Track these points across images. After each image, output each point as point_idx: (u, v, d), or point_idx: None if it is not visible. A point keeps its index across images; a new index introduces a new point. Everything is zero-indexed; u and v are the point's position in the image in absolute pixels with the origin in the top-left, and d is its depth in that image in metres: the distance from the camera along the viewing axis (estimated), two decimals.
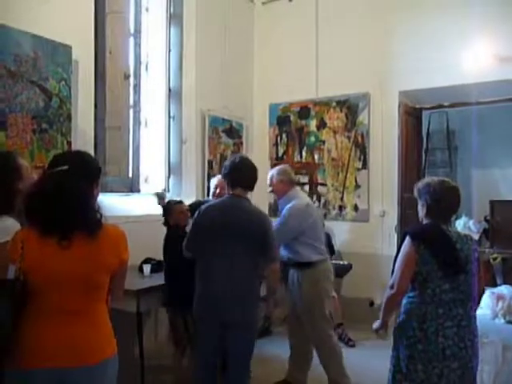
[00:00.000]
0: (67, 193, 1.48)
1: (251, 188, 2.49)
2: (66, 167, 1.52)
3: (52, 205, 1.46)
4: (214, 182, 3.48)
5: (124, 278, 1.68)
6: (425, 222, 2.17)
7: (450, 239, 2.05)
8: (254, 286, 2.40)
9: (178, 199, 3.50)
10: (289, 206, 3.04)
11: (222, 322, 2.38)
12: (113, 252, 1.56)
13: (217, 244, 2.39)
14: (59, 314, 1.48)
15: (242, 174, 2.46)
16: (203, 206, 2.56)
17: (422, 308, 2.03)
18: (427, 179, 2.23)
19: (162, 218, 3.17)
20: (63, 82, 3.17)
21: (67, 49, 3.19)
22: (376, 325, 2.22)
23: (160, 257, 3.55)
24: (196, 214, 2.53)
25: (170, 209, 3.14)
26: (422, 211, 2.16)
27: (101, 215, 1.55)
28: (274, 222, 2.91)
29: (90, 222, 1.50)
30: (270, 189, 3.22)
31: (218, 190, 3.34)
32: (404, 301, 2.11)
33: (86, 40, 3.45)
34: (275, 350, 3.87)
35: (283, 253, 3.10)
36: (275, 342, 4.08)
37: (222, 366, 2.62)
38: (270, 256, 2.43)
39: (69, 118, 3.20)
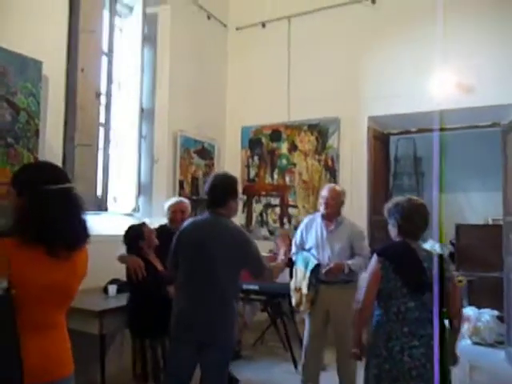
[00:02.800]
0: (77, 210, 1.51)
1: (219, 205, 2.42)
2: (72, 185, 1.54)
3: (61, 221, 1.44)
4: (167, 204, 3.43)
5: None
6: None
7: (416, 257, 2.06)
8: (227, 304, 2.34)
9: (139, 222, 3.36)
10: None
11: (196, 342, 2.32)
12: (84, 263, 1.57)
13: (194, 262, 2.36)
14: (40, 328, 1.43)
15: (212, 192, 2.44)
16: (185, 223, 2.54)
17: (386, 326, 2.02)
18: (396, 199, 2.25)
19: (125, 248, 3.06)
20: (32, 98, 3.12)
21: (37, 64, 3.16)
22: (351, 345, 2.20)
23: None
24: (178, 231, 2.52)
25: (143, 232, 3.04)
26: (393, 231, 2.18)
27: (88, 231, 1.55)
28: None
29: (71, 234, 1.49)
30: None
31: (174, 215, 3.33)
32: (373, 319, 2.12)
33: (57, 57, 3.42)
34: (245, 374, 3.78)
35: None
36: (245, 366, 4.00)
37: None
38: (257, 270, 2.37)
39: (36, 133, 3.14)
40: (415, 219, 2.12)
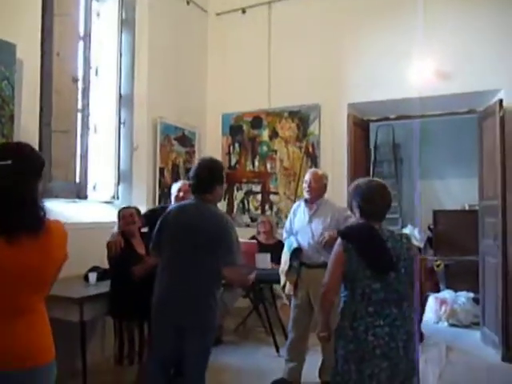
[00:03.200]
0: (10, 189, 1.40)
1: (205, 191, 2.41)
2: (9, 162, 1.42)
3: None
4: (177, 185, 3.41)
5: (59, 273, 1.61)
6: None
7: (379, 237, 2.06)
8: (209, 289, 2.34)
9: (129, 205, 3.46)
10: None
11: (176, 326, 2.32)
12: (60, 246, 1.52)
13: (177, 246, 2.36)
14: (13, 313, 1.41)
15: (199, 177, 2.43)
16: (172, 206, 2.55)
17: (352, 307, 2.03)
18: (357, 181, 2.25)
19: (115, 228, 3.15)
20: (6, 82, 3.03)
21: (11, 47, 3.06)
22: (318, 329, 2.21)
23: (107, 265, 3.44)
24: (163, 215, 2.51)
25: (119, 214, 3.17)
26: (356, 213, 2.19)
27: (45, 212, 1.48)
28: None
29: (34, 218, 1.43)
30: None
31: (181, 194, 3.28)
32: (340, 301, 2.13)
33: (32, 40, 3.32)
34: (227, 360, 3.82)
35: (315, 256, 3.14)
36: (226, 351, 4.03)
37: (177, 373, 2.55)
38: (228, 260, 2.34)
39: (11, 119, 3.05)
40: (376, 200, 2.11)
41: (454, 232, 6.00)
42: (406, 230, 6.24)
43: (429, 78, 4.19)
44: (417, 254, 2.21)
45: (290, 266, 3.24)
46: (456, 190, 6.57)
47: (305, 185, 3.32)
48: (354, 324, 2.00)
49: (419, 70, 4.21)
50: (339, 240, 2.12)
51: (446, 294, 5.34)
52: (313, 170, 3.57)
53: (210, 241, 2.30)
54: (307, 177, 3.32)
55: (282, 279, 3.37)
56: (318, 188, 3.27)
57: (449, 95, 4.29)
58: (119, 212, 3.21)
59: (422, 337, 2.25)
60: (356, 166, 4.89)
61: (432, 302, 5.23)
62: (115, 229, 3.14)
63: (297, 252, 3.24)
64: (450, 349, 4.18)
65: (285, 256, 3.32)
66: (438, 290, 5.74)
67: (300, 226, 3.30)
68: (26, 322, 1.43)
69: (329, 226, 3.16)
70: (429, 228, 6.51)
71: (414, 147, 6.08)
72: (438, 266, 5.97)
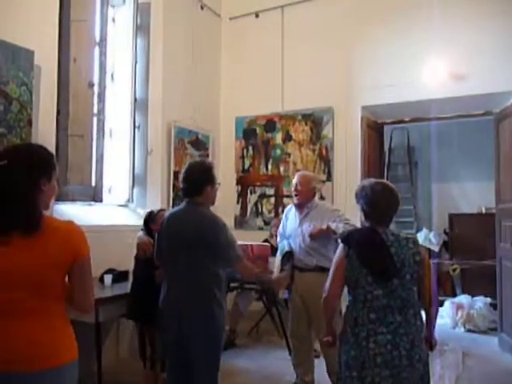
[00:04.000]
0: (3, 191, 1.40)
1: (196, 193, 2.39)
2: (4, 162, 1.43)
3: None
4: None
5: (85, 279, 1.54)
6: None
7: (381, 243, 1.97)
8: (207, 294, 2.30)
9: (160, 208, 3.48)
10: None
11: (179, 331, 2.31)
12: (62, 247, 1.46)
13: (172, 252, 2.38)
14: (8, 313, 1.40)
15: (188, 180, 2.43)
16: (166, 214, 2.55)
17: (353, 313, 1.98)
18: (363, 182, 2.18)
19: (141, 231, 3.16)
20: (24, 87, 3.10)
21: (29, 53, 3.13)
22: (323, 334, 2.18)
23: (122, 267, 3.48)
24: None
25: (155, 215, 3.14)
26: (362, 216, 2.12)
27: (40, 212, 1.46)
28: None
29: (28, 218, 1.41)
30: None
31: None
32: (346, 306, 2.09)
33: (49, 46, 3.39)
34: (241, 363, 3.82)
35: (308, 259, 3.11)
36: (240, 354, 4.03)
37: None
38: (227, 258, 2.34)
39: (29, 123, 3.12)
40: (380, 204, 2.03)
41: (470, 236, 5.90)
42: (422, 234, 6.19)
43: (444, 80, 4.15)
44: (426, 259, 2.09)
45: (281, 270, 3.20)
46: (472, 193, 6.47)
47: (292, 188, 3.25)
48: (355, 330, 1.95)
49: (434, 71, 4.18)
50: (340, 245, 2.07)
51: (463, 298, 5.26)
52: (300, 172, 3.47)
53: (201, 243, 2.28)
54: (294, 180, 3.25)
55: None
56: (306, 191, 3.18)
57: (464, 97, 4.24)
58: (152, 213, 3.18)
59: (431, 344, 2.12)
60: (370, 169, 4.86)
61: (448, 306, 5.16)
62: (140, 233, 3.13)
63: (288, 255, 3.19)
64: (466, 354, 4.12)
65: (277, 260, 3.28)
66: (454, 295, 5.66)
67: (291, 230, 3.24)
68: (33, 324, 1.42)
69: None
70: (444, 232, 6.42)
71: (429, 150, 6.04)
72: (454, 270, 5.89)
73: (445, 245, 6.30)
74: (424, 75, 4.26)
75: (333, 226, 3.01)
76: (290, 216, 3.32)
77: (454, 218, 6.26)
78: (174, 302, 2.34)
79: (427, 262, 2.07)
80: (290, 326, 3.32)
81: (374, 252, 1.97)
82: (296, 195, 3.20)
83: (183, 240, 2.31)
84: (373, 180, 2.17)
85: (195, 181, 2.38)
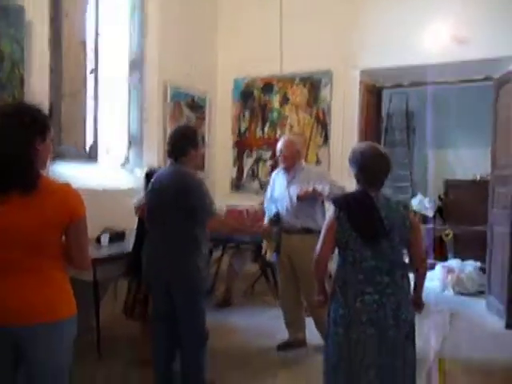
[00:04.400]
0: (3, 150, 1.41)
1: (180, 154, 2.46)
2: None
3: None
4: None
5: (81, 239, 1.58)
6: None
7: (371, 205, 2.00)
8: (187, 248, 2.39)
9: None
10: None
11: (163, 284, 2.43)
12: (59, 208, 1.49)
13: (154, 210, 2.47)
14: (6, 271, 1.44)
15: (172, 141, 2.52)
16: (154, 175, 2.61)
17: (342, 273, 2.04)
18: (354, 147, 2.19)
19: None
20: (15, 44, 3.02)
21: (20, 10, 3.04)
22: (315, 294, 2.24)
23: (118, 228, 3.52)
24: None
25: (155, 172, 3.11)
26: (355, 179, 2.14)
27: (37, 171, 1.48)
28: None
29: (25, 177, 1.43)
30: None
31: None
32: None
33: (40, 1, 3.28)
34: (235, 321, 3.94)
35: (294, 221, 3.15)
36: (236, 313, 4.15)
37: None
38: (208, 214, 2.42)
39: (21, 82, 3.06)
40: (370, 168, 2.04)
41: (464, 202, 5.96)
42: (416, 199, 6.25)
43: (444, 44, 4.08)
44: (415, 222, 2.14)
45: (269, 233, 3.27)
46: (468, 160, 6.48)
47: (277, 153, 3.29)
48: (343, 289, 2.01)
49: (434, 35, 4.10)
50: (331, 207, 2.10)
51: (454, 262, 5.37)
52: (284, 137, 3.52)
53: (179, 200, 2.36)
54: (279, 145, 3.29)
55: (264, 245, 3.42)
56: (291, 155, 3.22)
57: (465, 62, 4.17)
58: (152, 170, 3.10)
59: (419, 306, 2.18)
60: (367, 133, 4.85)
61: (439, 270, 5.27)
62: (141, 194, 3.15)
63: (276, 219, 3.26)
64: (454, 316, 4.25)
65: (264, 223, 3.36)
66: (446, 259, 5.77)
67: (279, 193, 3.30)
68: (32, 281, 1.46)
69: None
70: (439, 198, 6.47)
71: (427, 115, 5.99)
72: (446, 235, 5.98)
73: (439, 211, 6.37)
74: (425, 39, 4.18)
75: (319, 188, 3.07)
76: (278, 180, 3.36)
77: (449, 185, 6.30)
78: (155, 257, 2.45)
79: (417, 225, 2.12)
80: (279, 286, 3.40)
81: (363, 214, 2.00)
82: (282, 160, 3.25)
83: (164, 197, 2.40)
84: (363, 144, 2.19)
85: (179, 143, 2.48)
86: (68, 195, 1.53)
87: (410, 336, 2.04)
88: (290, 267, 3.25)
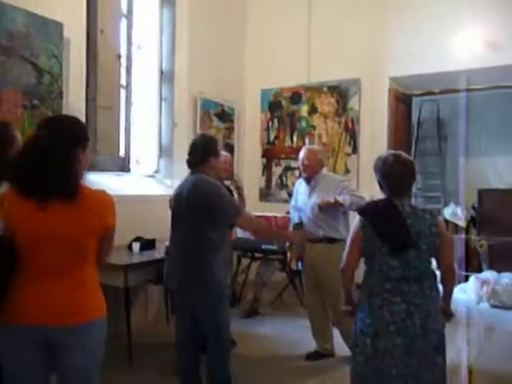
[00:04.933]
0: (44, 156, 1.49)
1: (200, 163, 2.49)
2: (46, 131, 1.53)
3: (29, 168, 1.48)
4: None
5: (111, 242, 1.69)
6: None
7: (396, 214, 1.98)
8: (201, 252, 2.39)
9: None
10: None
11: (185, 294, 2.44)
12: (97, 216, 1.57)
13: (176, 218, 2.51)
14: (44, 274, 1.52)
15: (192, 151, 2.55)
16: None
17: (369, 282, 2.02)
18: (380, 155, 2.17)
19: None
20: (54, 60, 3.18)
21: (58, 26, 3.19)
22: (342, 303, 2.23)
23: (149, 236, 3.60)
24: None
25: None
26: (379, 188, 2.13)
27: (78, 180, 1.55)
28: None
29: (67, 185, 1.50)
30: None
31: (227, 166, 3.34)
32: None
33: (77, 18, 3.44)
34: (263, 330, 3.94)
35: (316, 231, 3.17)
36: (263, 322, 4.15)
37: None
38: (226, 215, 2.42)
39: (60, 95, 3.21)
40: (392, 176, 2.03)
41: (499, 212, 5.76)
42: (448, 209, 6.09)
43: (476, 50, 4.01)
44: (444, 230, 2.06)
45: (291, 243, 3.27)
46: (503, 169, 6.29)
47: (299, 163, 3.30)
48: (370, 299, 1.99)
49: (466, 40, 4.04)
50: (357, 216, 2.09)
51: (488, 274, 5.20)
52: (307, 146, 3.54)
53: (198, 207, 2.36)
54: (301, 155, 3.29)
55: (288, 254, 3.42)
56: (313, 165, 3.23)
57: (498, 67, 4.09)
58: None
59: (449, 315, 2.12)
60: (396, 142, 4.80)
61: (473, 282, 5.12)
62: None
63: (298, 228, 3.27)
64: (489, 329, 4.11)
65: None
66: (480, 271, 5.59)
67: (302, 203, 3.31)
68: (67, 284, 1.53)
69: None
70: (473, 207, 6.29)
71: (459, 123, 5.87)
72: (481, 246, 5.80)
73: (473, 221, 6.19)
74: (456, 45, 4.12)
75: (340, 198, 3.07)
76: (301, 190, 3.38)
77: (483, 194, 6.12)
78: (173, 263, 2.49)
79: (445, 232, 2.08)
80: (304, 295, 3.40)
81: (389, 223, 1.98)
82: (304, 169, 3.26)
83: (183, 206, 2.43)
84: (387, 153, 2.16)
85: (198, 152, 2.50)
86: (104, 204, 1.61)
87: (440, 347, 2.00)
88: (314, 276, 3.25)
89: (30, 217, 1.48)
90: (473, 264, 5.86)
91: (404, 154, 2.16)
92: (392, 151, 2.20)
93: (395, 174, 2.03)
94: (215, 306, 2.41)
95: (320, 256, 3.15)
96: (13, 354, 1.52)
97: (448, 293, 2.10)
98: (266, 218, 4.44)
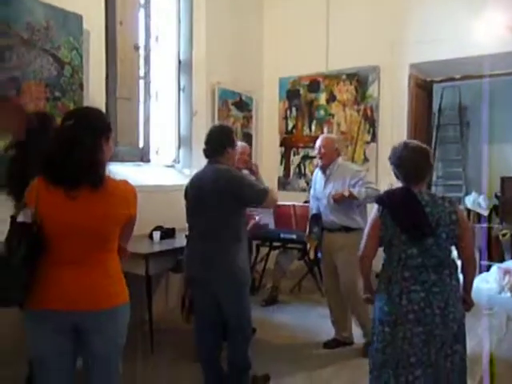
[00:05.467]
0: (72, 146, 1.53)
1: (216, 153, 2.48)
2: (71, 122, 1.57)
3: (58, 157, 1.53)
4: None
5: (131, 230, 1.75)
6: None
7: (415, 202, 1.98)
8: (226, 240, 2.40)
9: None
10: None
11: (207, 282, 2.42)
12: (121, 205, 1.62)
13: (195, 208, 2.49)
14: (71, 261, 1.57)
15: (209, 142, 2.54)
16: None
17: (388, 271, 2.02)
18: (395, 144, 2.16)
19: None
20: (75, 52, 3.23)
21: (78, 18, 3.23)
22: (362, 292, 2.24)
23: (169, 225, 3.65)
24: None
25: None
26: (394, 176, 2.13)
27: (104, 169, 1.59)
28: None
29: (95, 174, 1.55)
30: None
31: (244, 156, 3.32)
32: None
33: (96, 10, 3.47)
34: (283, 318, 3.98)
35: (332, 220, 3.18)
36: (282, 310, 4.19)
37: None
38: (254, 196, 2.40)
39: (81, 86, 3.27)
40: (405, 164, 2.03)
41: None
42: (470, 198, 5.99)
43: (498, 34, 3.89)
44: (463, 218, 2.04)
45: (310, 232, 3.27)
46: None
47: (316, 151, 3.30)
48: (389, 288, 2.00)
49: (487, 24, 3.93)
50: (375, 205, 2.09)
51: (511, 263, 5.11)
52: (324, 135, 3.55)
53: (221, 195, 2.34)
54: (317, 143, 3.29)
55: (308, 245, 3.43)
56: (329, 153, 3.23)
57: None
58: None
59: (469, 305, 2.11)
60: (417, 130, 4.73)
61: (495, 271, 5.04)
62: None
63: (316, 217, 3.27)
64: (510, 319, 4.06)
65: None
66: (502, 260, 5.50)
67: (319, 192, 3.32)
68: (92, 271, 1.59)
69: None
70: (495, 195, 6.17)
71: (482, 109, 5.74)
72: (503, 235, 5.70)
73: (495, 209, 6.07)
74: (477, 30, 4.02)
75: (355, 191, 3.06)
76: (317, 179, 3.39)
77: (506, 182, 5.99)
78: (195, 253, 2.47)
79: (465, 220, 2.06)
80: (323, 284, 3.40)
81: (407, 211, 1.98)
82: (320, 158, 3.27)
83: (207, 194, 2.40)
84: (402, 141, 2.15)
85: (215, 142, 2.50)
86: (128, 194, 1.66)
87: (460, 336, 1.99)
88: (332, 264, 3.27)
89: (59, 205, 1.53)
90: (495, 253, 5.77)
91: (415, 141, 2.16)
92: (405, 140, 2.19)
93: (406, 160, 2.04)
94: (237, 293, 2.43)
95: (337, 244, 3.17)
96: (42, 338, 1.58)
97: (468, 282, 2.09)
98: (285, 206, 4.47)
